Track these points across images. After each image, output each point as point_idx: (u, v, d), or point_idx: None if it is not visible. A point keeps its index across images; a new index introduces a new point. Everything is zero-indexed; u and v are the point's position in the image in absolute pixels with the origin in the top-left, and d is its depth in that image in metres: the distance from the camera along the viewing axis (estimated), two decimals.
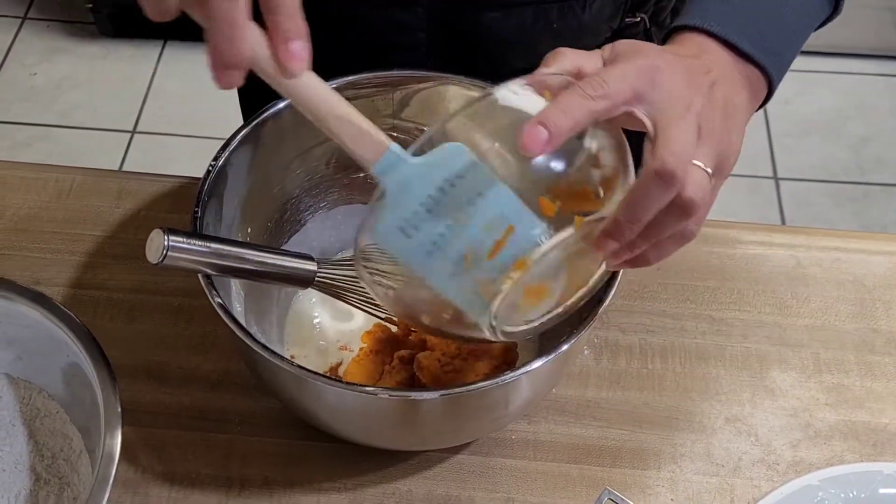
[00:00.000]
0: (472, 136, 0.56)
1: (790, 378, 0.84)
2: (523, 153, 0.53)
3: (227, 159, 0.74)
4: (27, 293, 0.72)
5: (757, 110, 0.67)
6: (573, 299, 0.62)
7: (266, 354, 0.64)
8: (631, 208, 0.55)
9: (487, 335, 0.60)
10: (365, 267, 0.60)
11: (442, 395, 0.65)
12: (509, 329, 0.61)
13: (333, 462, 0.77)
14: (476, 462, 0.78)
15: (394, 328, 0.80)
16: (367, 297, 0.75)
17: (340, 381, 0.66)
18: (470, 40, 0.86)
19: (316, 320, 0.83)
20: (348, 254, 0.86)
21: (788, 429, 0.81)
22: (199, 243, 0.65)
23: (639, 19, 0.89)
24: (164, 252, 0.63)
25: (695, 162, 0.55)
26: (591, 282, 0.62)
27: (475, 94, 0.78)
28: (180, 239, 0.64)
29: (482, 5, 0.83)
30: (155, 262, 0.64)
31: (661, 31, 0.92)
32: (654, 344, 0.85)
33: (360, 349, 0.79)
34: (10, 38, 2.41)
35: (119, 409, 0.66)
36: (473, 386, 0.64)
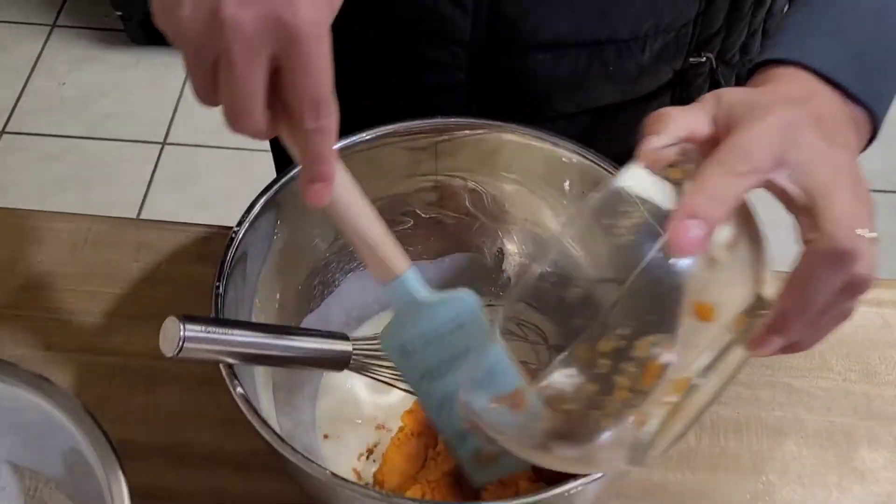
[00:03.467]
0: (599, 243, 0.50)
1: (881, 458, 0.75)
2: (675, 255, 0.45)
3: (251, 224, 0.66)
4: (26, 377, 0.64)
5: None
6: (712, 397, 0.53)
7: (294, 459, 0.56)
8: (801, 298, 0.47)
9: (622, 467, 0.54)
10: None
11: None
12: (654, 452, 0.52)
13: None
14: None
15: None
16: None
17: (379, 493, 0.58)
18: (515, 83, 0.78)
19: (351, 394, 0.75)
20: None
21: None
22: (220, 331, 0.58)
23: (704, 59, 0.79)
24: (181, 343, 0.56)
25: (858, 231, 0.47)
26: (730, 374, 0.52)
27: (534, 143, 0.70)
28: (198, 328, 0.56)
29: (530, 46, 0.75)
30: (170, 355, 0.56)
31: (729, 70, 0.82)
32: (726, 417, 0.77)
33: (400, 429, 0.72)
34: (40, 46, 2.35)
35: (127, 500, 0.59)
36: (532, 497, 0.56)
